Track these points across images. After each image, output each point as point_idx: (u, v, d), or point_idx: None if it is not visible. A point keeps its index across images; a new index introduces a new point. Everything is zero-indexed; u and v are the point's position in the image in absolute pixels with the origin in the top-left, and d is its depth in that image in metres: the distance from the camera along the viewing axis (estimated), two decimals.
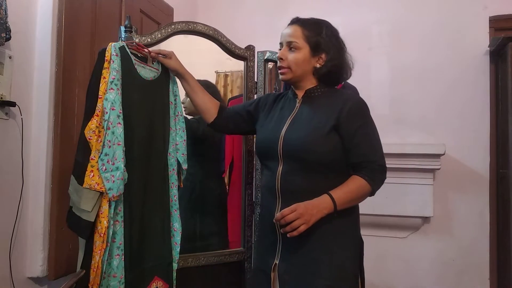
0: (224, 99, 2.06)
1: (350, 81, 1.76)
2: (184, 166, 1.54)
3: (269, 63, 1.91)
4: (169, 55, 1.50)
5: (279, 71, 1.39)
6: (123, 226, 1.32)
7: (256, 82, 1.88)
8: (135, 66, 1.42)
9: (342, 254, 1.29)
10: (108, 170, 1.26)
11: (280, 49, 1.40)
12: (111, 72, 1.31)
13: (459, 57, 2.66)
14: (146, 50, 1.48)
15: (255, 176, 1.85)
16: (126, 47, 1.39)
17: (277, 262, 1.32)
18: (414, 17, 2.77)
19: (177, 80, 1.56)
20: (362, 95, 1.82)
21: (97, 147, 1.28)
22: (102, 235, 1.26)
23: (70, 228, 1.32)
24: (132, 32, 1.54)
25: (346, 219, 1.32)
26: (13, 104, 1.58)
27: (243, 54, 1.85)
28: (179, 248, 1.51)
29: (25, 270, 1.70)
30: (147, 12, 2.40)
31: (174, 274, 1.51)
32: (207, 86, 1.98)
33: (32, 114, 1.72)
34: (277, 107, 1.46)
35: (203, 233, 1.96)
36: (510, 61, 2.35)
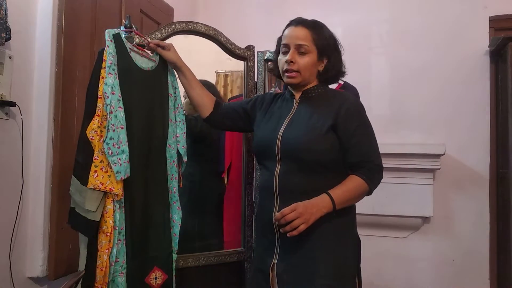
0: (224, 99, 2.06)
1: (350, 81, 1.76)
2: (185, 159, 1.54)
3: (269, 63, 1.91)
4: (168, 47, 1.50)
5: (286, 74, 1.36)
6: (124, 212, 1.34)
7: (256, 82, 1.88)
8: (130, 54, 1.42)
9: (342, 253, 1.30)
10: (114, 154, 1.28)
11: (281, 50, 1.39)
12: (108, 57, 1.32)
13: (459, 57, 2.66)
14: (145, 40, 1.49)
15: (255, 176, 1.85)
16: (121, 34, 1.40)
17: (276, 262, 1.32)
18: (414, 17, 2.76)
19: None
20: (362, 95, 1.83)
21: (99, 147, 1.28)
22: (108, 234, 1.28)
23: (75, 228, 1.33)
24: (132, 32, 1.54)
25: (344, 218, 1.32)
26: (13, 104, 1.58)
27: (243, 54, 1.85)
28: (177, 239, 1.51)
29: (25, 270, 1.70)
30: (147, 12, 2.40)
31: (174, 265, 1.51)
32: (207, 86, 1.98)
33: (32, 114, 1.72)
34: (275, 107, 1.46)
35: (204, 233, 1.96)
36: (510, 61, 2.35)
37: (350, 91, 1.77)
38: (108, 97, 1.29)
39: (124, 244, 1.33)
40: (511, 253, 2.27)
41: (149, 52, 1.53)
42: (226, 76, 2.10)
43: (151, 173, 1.45)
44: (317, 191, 1.25)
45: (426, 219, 2.66)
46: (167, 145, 1.50)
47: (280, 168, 1.32)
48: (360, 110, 1.36)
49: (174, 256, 1.51)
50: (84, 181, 1.27)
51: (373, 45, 2.85)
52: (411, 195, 2.57)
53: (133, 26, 1.51)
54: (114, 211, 1.30)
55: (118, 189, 1.29)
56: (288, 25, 1.40)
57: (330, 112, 1.32)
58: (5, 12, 1.47)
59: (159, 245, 1.47)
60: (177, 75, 1.56)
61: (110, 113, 1.28)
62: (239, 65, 1.89)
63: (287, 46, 1.36)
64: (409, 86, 2.75)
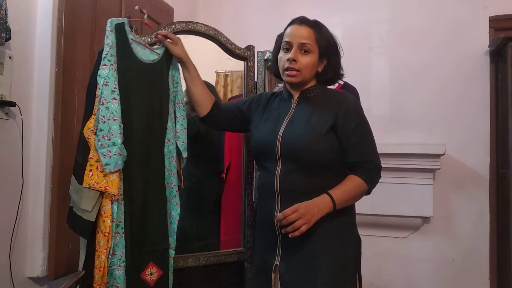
0: (224, 99, 2.06)
1: (350, 81, 1.76)
2: (184, 155, 1.53)
3: (268, 64, 1.91)
4: (176, 41, 1.49)
5: (286, 72, 1.34)
6: (123, 204, 1.33)
7: (256, 82, 1.88)
8: (132, 46, 1.41)
9: (343, 252, 1.31)
10: (104, 146, 1.26)
11: (282, 48, 1.37)
12: (105, 48, 1.31)
13: (459, 57, 2.66)
14: (155, 32, 1.47)
15: (255, 176, 1.85)
16: (125, 25, 1.38)
17: (278, 263, 1.32)
18: (414, 17, 2.76)
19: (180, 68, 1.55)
20: (362, 95, 1.83)
21: (95, 147, 1.28)
22: (106, 234, 1.27)
23: (71, 228, 1.32)
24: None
25: (345, 218, 1.33)
26: (13, 104, 1.58)
27: (243, 54, 1.85)
28: (175, 236, 1.49)
29: (25, 270, 1.70)
30: (147, 12, 2.40)
31: (171, 261, 1.49)
32: (207, 86, 1.98)
33: (32, 114, 1.72)
34: (272, 107, 1.45)
35: (203, 233, 1.96)
36: (510, 61, 2.35)
37: (350, 92, 1.76)
38: (99, 88, 1.27)
39: (123, 237, 1.32)
40: (511, 253, 2.27)
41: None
42: (226, 76, 2.10)
43: (149, 167, 1.44)
44: (319, 191, 1.26)
45: (426, 219, 2.65)
46: (166, 140, 1.48)
47: (281, 168, 1.31)
48: (358, 110, 1.37)
49: (172, 252, 1.49)
50: (80, 180, 1.26)
51: (373, 45, 2.85)
52: (411, 195, 2.57)
53: (145, 16, 1.53)
54: (112, 204, 1.28)
55: (113, 189, 1.27)
56: (290, 24, 1.39)
57: (330, 112, 1.32)
58: (5, 12, 1.47)
59: (155, 241, 1.45)
60: (181, 71, 1.55)
61: (101, 104, 1.27)
62: (239, 65, 1.88)
63: (289, 44, 1.34)
64: (409, 86, 2.75)
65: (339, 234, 1.31)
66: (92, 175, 1.25)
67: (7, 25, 1.49)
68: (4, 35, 1.47)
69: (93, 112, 1.29)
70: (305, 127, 1.31)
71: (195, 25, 1.72)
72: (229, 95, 2.08)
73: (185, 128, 1.53)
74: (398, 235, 2.71)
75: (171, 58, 1.52)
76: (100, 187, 1.25)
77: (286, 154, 1.31)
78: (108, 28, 1.33)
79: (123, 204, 1.33)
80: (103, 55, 1.30)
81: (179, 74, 1.54)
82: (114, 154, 1.26)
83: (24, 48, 1.68)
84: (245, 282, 1.82)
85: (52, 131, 1.73)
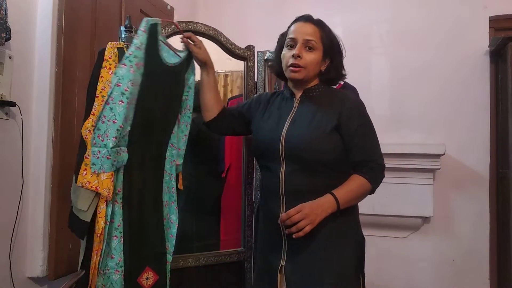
0: (224, 99, 2.05)
1: (350, 81, 1.76)
2: (178, 161, 1.50)
3: (269, 63, 1.91)
4: (199, 44, 1.45)
5: (290, 68, 1.32)
6: (121, 208, 1.31)
7: (256, 82, 1.88)
8: (159, 48, 1.37)
9: (348, 252, 1.30)
10: (96, 145, 1.24)
11: (286, 44, 1.35)
12: (130, 47, 1.28)
13: (459, 57, 2.66)
14: (182, 33, 1.43)
15: (255, 176, 1.85)
16: (159, 25, 1.35)
17: (283, 264, 1.31)
18: (414, 17, 2.76)
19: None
20: (362, 95, 1.83)
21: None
22: (98, 235, 1.25)
23: (69, 227, 1.32)
24: (132, 32, 1.54)
25: (349, 218, 1.33)
26: (13, 104, 1.58)
27: (243, 54, 1.85)
28: (174, 240, 1.47)
29: (25, 270, 1.70)
30: (147, 12, 2.40)
31: (168, 267, 1.46)
32: None
33: (32, 114, 1.72)
34: (273, 106, 1.44)
35: (204, 233, 1.96)
36: (510, 61, 2.35)
37: (350, 91, 1.76)
38: (111, 87, 1.24)
39: (121, 241, 1.30)
40: (511, 253, 2.27)
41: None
42: (226, 76, 2.09)
43: (149, 170, 1.42)
44: (323, 191, 1.25)
45: (426, 219, 2.65)
46: (169, 144, 1.46)
47: (285, 169, 1.30)
48: (362, 110, 1.36)
49: (169, 257, 1.47)
50: (76, 179, 1.26)
51: (373, 45, 2.85)
52: (411, 195, 2.57)
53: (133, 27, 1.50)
54: (106, 206, 1.26)
55: (103, 189, 1.24)
56: (295, 21, 1.38)
57: (334, 112, 1.31)
58: (5, 12, 1.47)
59: (152, 245, 1.43)
60: (197, 75, 1.51)
61: (106, 104, 1.24)
62: (239, 65, 1.88)
63: (294, 40, 1.33)
64: (409, 86, 2.75)
65: (343, 234, 1.31)
66: (86, 174, 1.24)
67: (7, 25, 1.49)
68: (4, 35, 1.47)
69: (92, 111, 1.28)
70: (309, 127, 1.30)
71: (195, 25, 1.72)
72: (229, 95, 2.08)
73: (185, 135, 1.51)
74: (398, 235, 2.71)
75: (190, 62, 1.48)
76: (91, 186, 1.24)
77: (290, 154, 1.30)
78: (141, 27, 1.29)
79: (121, 208, 1.31)
80: (126, 54, 1.27)
81: (194, 80, 1.51)
82: (102, 157, 1.23)
83: (24, 48, 1.68)
84: (245, 282, 1.82)
85: (52, 131, 1.73)
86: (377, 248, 2.65)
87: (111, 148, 1.24)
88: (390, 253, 2.71)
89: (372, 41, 2.85)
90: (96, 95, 1.29)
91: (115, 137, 1.25)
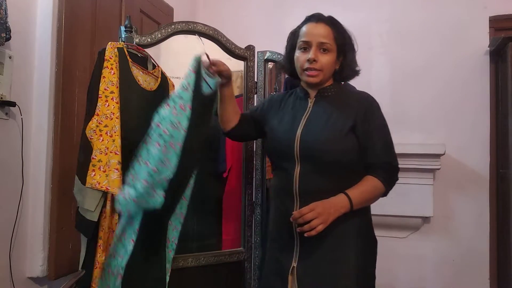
0: None
1: (350, 81, 1.76)
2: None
3: (269, 63, 1.91)
4: (229, 75, 1.39)
5: (306, 73, 1.31)
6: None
7: (256, 82, 1.88)
8: (202, 85, 1.32)
9: (362, 254, 1.29)
10: (127, 183, 1.20)
11: (299, 47, 1.33)
12: (179, 88, 1.24)
13: (459, 57, 2.66)
14: (212, 63, 1.33)
15: (255, 176, 1.85)
16: (201, 61, 1.29)
17: (295, 265, 1.28)
18: (414, 17, 2.76)
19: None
20: None
21: (98, 146, 1.27)
22: (105, 234, 1.27)
23: (76, 228, 1.33)
24: (132, 32, 1.54)
25: (362, 219, 1.32)
26: (13, 104, 1.58)
27: (243, 54, 1.85)
28: (175, 245, 1.48)
29: (25, 270, 1.70)
30: (147, 12, 2.40)
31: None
32: None
33: (32, 114, 1.72)
34: (286, 106, 1.42)
35: (204, 233, 1.96)
36: (510, 61, 2.35)
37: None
38: (152, 127, 1.19)
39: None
40: (511, 253, 2.27)
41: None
42: None
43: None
44: (337, 192, 1.24)
45: (426, 219, 2.65)
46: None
47: (300, 169, 1.28)
48: (378, 110, 1.35)
49: (167, 277, 1.48)
50: (83, 180, 1.27)
51: (373, 45, 2.85)
52: (411, 195, 2.57)
53: (134, 38, 1.48)
54: (112, 203, 1.27)
55: (114, 188, 1.26)
56: (307, 21, 1.35)
57: (350, 112, 1.30)
58: (5, 12, 1.47)
59: (153, 274, 1.43)
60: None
61: (144, 143, 1.19)
62: (239, 65, 1.88)
63: (307, 43, 1.30)
64: (409, 86, 2.75)
65: (357, 235, 1.29)
66: (95, 174, 1.26)
67: (7, 25, 1.49)
68: (4, 35, 1.47)
69: (95, 112, 1.29)
70: (325, 127, 1.29)
71: (195, 25, 1.72)
72: None
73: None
74: (398, 235, 2.71)
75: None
76: (101, 187, 1.25)
77: (305, 154, 1.28)
78: (190, 68, 1.25)
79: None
80: (172, 94, 1.22)
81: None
82: (128, 197, 1.18)
83: (24, 48, 1.68)
84: (245, 282, 1.82)
85: (52, 131, 1.73)
86: (377, 248, 2.64)
87: (140, 191, 1.17)
88: (390, 253, 2.70)
89: (372, 41, 2.85)
90: (99, 96, 1.30)
91: (146, 181, 1.17)
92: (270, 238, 1.42)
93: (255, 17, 3.05)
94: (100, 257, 1.28)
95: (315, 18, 1.34)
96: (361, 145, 1.29)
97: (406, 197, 2.57)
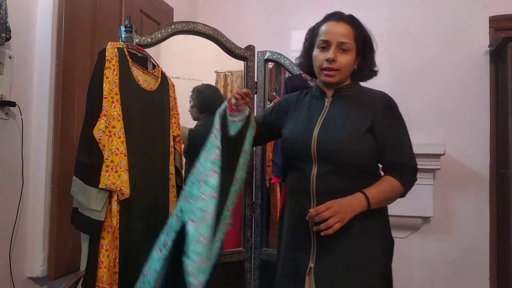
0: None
1: None
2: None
3: (269, 63, 1.91)
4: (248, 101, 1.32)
5: (325, 72, 1.27)
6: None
7: (256, 82, 1.88)
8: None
9: (381, 254, 1.29)
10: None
11: (318, 45, 1.29)
12: (212, 150, 1.22)
13: (459, 57, 2.66)
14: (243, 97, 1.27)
15: (255, 176, 1.85)
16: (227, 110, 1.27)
17: (313, 265, 1.26)
18: (414, 17, 2.77)
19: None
20: None
21: (109, 147, 1.28)
22: (113, 233, 1.29)
23: (78, 228, 1.33)
24: (132, 32, 1.54)
25: (380, 219, 1.31)
26: (13, 104, 1.58)
27: (243, 54, 1.85)
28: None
29: (25, 270, 1.70)
30: (147, 12, 2.40)
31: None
32: (213, 91, 1.98)
33: (32, 114, 1.72)
34: (302, 106, 1.39)
35: None
36: (510, 61, 2.35)
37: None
38: (202, 166, 1.21)
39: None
40: (511, 253, 2.27)
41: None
42: (226, 76, 2.10)
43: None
44: (355, 192, 1.22)
45: (426, 219, 2.65)
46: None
47: (317, 170, 1.25)
48: (396, 109, 1.33)
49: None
50: (89, 181, 1.27)
51: None
52: (411, 195, 2.53)
53: (134, 38, 1.48)
54: (117, 203, 1.31)
55: (126, 188, 1.31)
56: (326, 19, 1.33)
57: (368, 112, 1.28)
58: (5, 12, 1.47)
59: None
60: None
61: (202, 180, 1.19)
62: (239, 65, 1.89)
63: (327, 42, 1.27)
64: (409, 86, 2.75)
65: (375, 235, 1.28)
66: (109, 176, 1.28)
67: (7, 25, 1.49)
68: (4, 35, 1.47)
69: (102, 112, 1.29)
70: (343, 128, 1.27)
71: (195, 25, 1.72)
72: (229, 95, 2.07)
73: None
74: (398, 235, 2.71)
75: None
76: (116, 187, 1.29)
77: (323, 155, 1.25)
78: (216, 125, 1.23)
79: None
80: (213, 159, 1.20)
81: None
82: (195, 263, 1.20)
83: (24, 48, 1.68)
84: (245, 282, 1.82)
85: (52, 131, 1.73)
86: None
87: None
88: None
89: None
90: (105, 96, 1.30)
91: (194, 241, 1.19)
92: (286, 239, 1.38)
93: (255, 17, 3.05)
94: (104, 257, 1.28)
95: (336, 16, 1.31)
96: (379, 145, 1.27)
97: (406, 197, 2.55)
